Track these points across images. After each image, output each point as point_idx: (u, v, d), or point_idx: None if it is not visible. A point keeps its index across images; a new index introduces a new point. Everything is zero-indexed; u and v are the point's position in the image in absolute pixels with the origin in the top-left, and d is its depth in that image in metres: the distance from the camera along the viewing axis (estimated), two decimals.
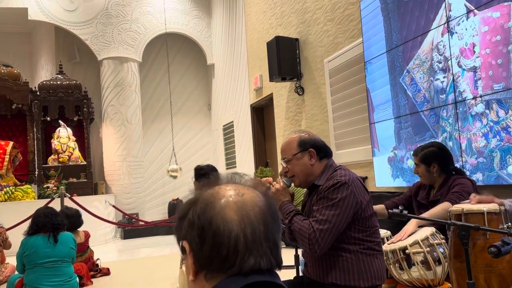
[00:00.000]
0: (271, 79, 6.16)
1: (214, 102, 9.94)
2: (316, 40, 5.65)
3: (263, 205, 0.79)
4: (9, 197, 7.03)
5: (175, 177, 8.15)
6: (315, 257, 1.84)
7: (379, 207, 2.74)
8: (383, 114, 4.22)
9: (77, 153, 8.39)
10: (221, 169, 9.12)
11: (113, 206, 7.71)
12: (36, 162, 8.17)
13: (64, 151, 8.28)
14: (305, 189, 2.03)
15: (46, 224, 3.37)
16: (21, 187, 7.37)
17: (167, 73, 9.48)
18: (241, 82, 8.25)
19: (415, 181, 2.96)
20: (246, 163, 8.09)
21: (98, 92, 8.96)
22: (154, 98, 9.86)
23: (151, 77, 9.86)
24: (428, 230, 2.38)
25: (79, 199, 6.52)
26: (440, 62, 3.51)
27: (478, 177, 3.14)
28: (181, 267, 3.39)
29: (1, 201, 6.93)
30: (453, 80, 3.37)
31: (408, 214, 1.88)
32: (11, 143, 7.83)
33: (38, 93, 8.18)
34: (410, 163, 3.82)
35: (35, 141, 8.18)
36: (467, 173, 3.14)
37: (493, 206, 1.99)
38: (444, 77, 3.47)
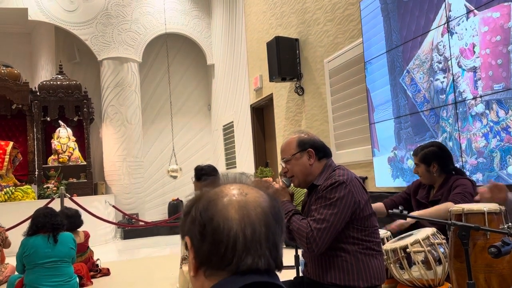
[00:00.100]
0: (271, 79, 6.17)
1: (214, 102, 9.94)
2: (316, 40, 5.65)
3: (266, 206, 0.80)
4: (9, 197, 7.04)
5: (175, 177, 8.15)
6: (314, 257, 1.84)
7: (378, 205, 2.75)
8: (383, 114, 4.22)
9: (77, 153, 8.39)
10: (221, 169, 9.12)
11: (113, 206, 7.71)
12: (36, 162, 8.17)
13: (64, 151, 8.28)
14: (305, 189, 2.04)
15: (45, 225, 3.37)
16: (21, 187, 7.37)
17: (167, 73, 9.49)
18: (241, 82, 8.25)
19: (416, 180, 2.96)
20: (246, 163, 8.09)
21: (98, 92, 8.96)
22: (154, 98, 9.87)
23: (151, 77, 9.86)
24: (429, 230, 2.38)
25: (79, 199, 6.52)
26: (440, 62, 3.51)
27: (478, 177, 3.14)
28: (181, 267, 3.39)
29: (1, 201, 6.93)
30: (453, 80, 3.37)
31: (408, 214, 1.88)
32: (11, 143, 7.83)
33: (38, 93, 8.18)
34: (410, 163, 3.82)
35: (35, 141, 8.18)
36: (467, 173, 3.14)
37: (493, 206, 1.99)
38: (444, 77, 3.48)
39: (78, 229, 4.67)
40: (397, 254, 2.35)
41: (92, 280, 4.45)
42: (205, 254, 0.76)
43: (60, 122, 8.29)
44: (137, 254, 6.48)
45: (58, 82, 8.35)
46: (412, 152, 2.92)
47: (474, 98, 3.17)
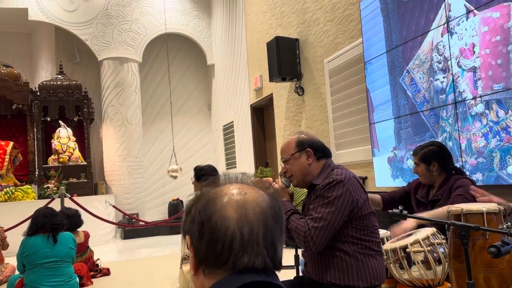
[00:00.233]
0: (271, 79, 6.17)
1: (214, 102, 9.95)
2: (316, 40, 5.65)
3: (265, 205, 0.80)
4: (9, 197, 7.04)
5: (175, 177, 8.15)
6: (314, 257, 1.84)
7: (376, 196, 2.75)
8: (383, 114, 4.22)
9: (77, 153, 8.40)
10: (221, 169, 9.12)
11: (113, 206, 7.71)
12: (36, 162, 8.17)
13: (64, 151, 8.28)
14: (305, 190, 2.04)
15: (45, 225, 3.38)
16: (21, 187, 7.37)
17: (167, 74, 9.49)
18: (241, 82, 8.26)
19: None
20: (246, 163, 8.09)
21: (98, 93, 8.97)
22: (154, 98, 9.87)
23: (151, 78, 9.87)
24: (429, 230, 2.38)
25: (79, 199, 6.52)
26: (440, 62, 3.51)
27: (478, 177, 3.14)
28: (181, 267, 3.39)
29: (1, 201, 6.94)
30: (453, 80, 3.37)
31: (408, 215, 1.88)
32: (11, 143, 7.83)
33: (38, 93, 8.19)
34: (410, 163, 3.82)
35: (35, 141, 8.18)
36: (467, 173, 3.14)
37: (492, 206, 1.99)
38: (444, 77, 3.48)
39: (78, 229, 4.67)
40: (397, 254, 2.36)
41: (92, 280, 4.45)
42: (203, 253, 0.77)
43: (60, 122, 8.30)
44: (137, 254, 6.48)
45: (58, 82, 8.36)
46: (411, 152, 2.92)
47: (474, 98, 3.17)
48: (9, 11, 8.40)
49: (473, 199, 2.42)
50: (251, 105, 7.84)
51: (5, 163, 7.56)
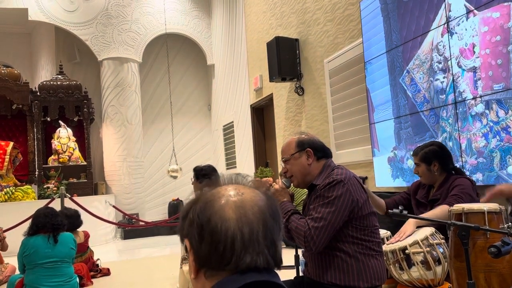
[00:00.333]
0: (271, 80, 6.17)
1: (214, 102, 9.95)
2: (316, 40, 5.65)
3: (263, 204, 0.80)
4: (9, 198, 7.04)
5: (175, 177, 8.15)
6: (315, 257, 1.84)
7: (380, 201, 2.74)
8: (383, 114, 4.22)
9: (77, 153, 8.40)
10: (221, 169, 9.13)
11: (113, 206, 7.71)
12: (36, 162, 8.17)
13: (64, 152, 8.29)
14: (306, 190, 2.04)
15: (46, 225, 3.37)
16: (21, 187, 7.37)
17: (167, 74, 9.49)
18: (241, 83, 8.26)
19: (415, 181, 2.96)
20: (246, 163, 8.09)
21: (98, 93, 8.97)
22: (154, 99, 9.87)
23: (151, 78, 9.87)
24: (427, 230, 2.38)
25: (79, 199, 6.52)
26: (440, 63, 3.51)
27: (478, 177, 3.14)
28: (181, 267, 3.39)
29: (1, 202, 6.94)
30: (453, 80, 3.37)
31: (408, 215, 1.88)
32: (11, 143, 7.83)
33: (38, 93, 8.19)
34: (410, 163, 3.82)
35: (35, 142, 8.18)
36: (467, 173, 3.14)
37: (493, 206, 1.99)
38: (444, 77, 3.48)
39: (77, 229, 4.67)
40: (396, 256, 2.35)
41: (92, 280, 4.45)
42: (204, 255, 0.77)
43: (60, 122, 8.30)
44: (137, 254, 6.48)
45: (58, 82, 8.36)
46: (411, 152, 2.92)
47: (474, 98, 3.17)
48: (9, 11, 8.40)
49: (469, 199, 2.42)
50: (251, 105, 7.85)
51: (5, 163, 7.56)
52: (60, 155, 8.25)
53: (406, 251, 2.31)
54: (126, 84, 8.76)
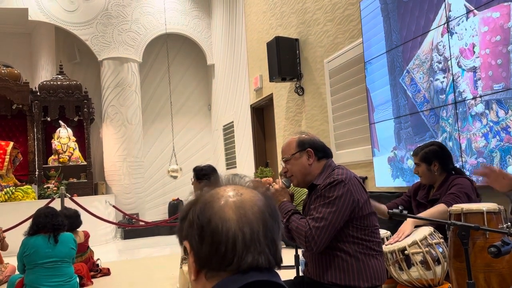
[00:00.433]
0: (271, 80, 6.17)
1: (214, 102, 9.95)
2: (316, 40, 5.66)
3: (262, 204, 0.81)
4: (10, 198, 7.04)
5: (175, 177, 8.15)
6: (315, 257, 1.85)
7: (382, 207, 2.73)
8: (383, 114, 4.22)
9: (77, 153, 8.40)
10: (221, 169, 9.13)
11: (113, 206, 7.71)
12: (36, 162, 8.17)
13: (65, 152, 8.29)
14: (306, 190, 2.04)
15: (46, 225, 3.38)
16: (22, 187, 7.37)
17: (167, 74, 9.49)
18: (241, 83, 8.26)
19: (415, 181, 2.96)
20: (246, 163, 8.09)
21: (99, 93, 8.97)
22: (154, 99, 9.87)
23: (151, 78, 9.87)
24: (426, 230, 2.38)
25: (80, 199, 6.52)
26: (440, 62, 3.51)
27: (478, 177, 3.14)
28: (181, 267, 3.40)
29: (1, 202, 6.94)
30: (453, 80, 3.37)
31: (408, 215, 1.88)
32: (12, 143, 7.83)
33: (38, 93, 8.19)
34: (410, 163, 3.83)
35: (36, 142, 8.18)
36: (467, 173, 3.14)
37: (492, 206, 1.99)
38: (444, 77, 3.48)
39: (77, 229, 4.67)
40: (395, 256, 2.36)
41: (93, 280, 4.45)
42: (205, 256, 0.77)
43: (61, 122, 8.30)
44: (137, 254, 6.48)
45: (59, 82, 8.36)
46: (411, 153, 2.92)
47: (474, 98, 3.17)
48: (9, 11, 8.40)
49: (465, 198, 2.42)
50: (251, 105, 7.85)
51: (5, 163, 7.57)
52: (60, 155, 8.25)
53: (405, 251, 2.31)
54: (126, 84, 8.77)
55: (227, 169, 9.15)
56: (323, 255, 1.81)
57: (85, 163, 8.36)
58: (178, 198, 9.21)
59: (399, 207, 1.84)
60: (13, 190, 7.16)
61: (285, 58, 5.96)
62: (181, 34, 9.53)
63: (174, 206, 9.01)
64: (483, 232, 1.87)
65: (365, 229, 1.80)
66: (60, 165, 8.17)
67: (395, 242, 2.41)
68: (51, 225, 3.38)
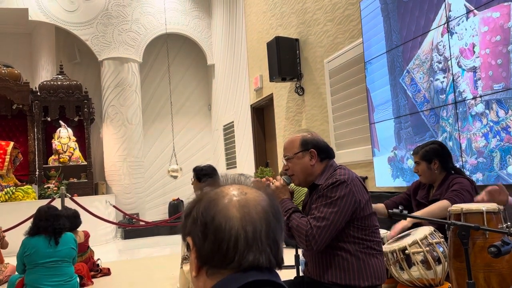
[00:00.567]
0: (271, 79, 6.17)
1: (214, 102, 9.95)
2: (316, 40, 5.66)
3: (266, 204, 0.81)
4: (10, 198, 7.04)
5: (175, 177, 8.16)
6: (315, 256, 1.85)
7: (379, 206, 2.74)
8: (383, 114, 4.22)
9: (77, 153, 8.41)
10: (221, 169, 9.13)
11: (114, 206, 7.71)
12: (36, 162, 8.18)
13: (65, 151, 8.29)
14: (306, 189, 2.04)
15: (47, 229, 3.38)
16: (22, 187, 7.38)
17: (167, 74, 9.50)
18: (241, 83, 8.26)
19: (415, 181, 2.96)
20: (246, 163, 8.09)
21: (99, 93, 8.97)
22: (155, 99, 9.88)
23: (151, 78, 9.87)
24: (426, 229, 2.38)
25: (80, 199, 6.52)
26: (440, 62, 3.51)
27: (478, 177, 3.14)
28: (181, 267, 3.40)
29: (1, 201, 6.94)
30: (453, 80, 3.37)
31: (408, 214, 1.88)
32: (12, 143, 7.84)
33: (38, 93, 8.19)
34: (410, 163, 3.83)
35: (36, 142, 8.19)
36: (467, 173, 3.14)
37: (492, 206, 2.00)
38: (444, 77, 3.48)
39: (77, 229, 4.67)
40: (396, 256, 2.36)
41: (93, 280, 4.46)
42: (207, 253, 0.77)
43: (61, 122, 8.31)
44: (138, 254, 6.48)
45: (59, 82, 8.36)
46: (411, 152, 2.92)
47: (474, 98, 3.17)
48: (9, 11, 8.40)
49: (468, 196, 2.42)
50: (251, 105, 7.85)
51: (6, 163, 7.57)
52: (61, 155, 8.26)
53: (406, 251, 2.31)
54: (126, 84, 8.77)
55: (227, 169, 9.15)
56: (323, 255, 1.81)
57: (86, 163, 8.36)
58: (178, 198, 9.22)
59: (399, 207, 1.84)
60: (14, 190, 7.16)
61: (285, 58, 5.96)
62: (181, 34, 9.53)
63: (174, 206, 9.01)
64: (483, 232, 1.88)
65: (365, 229, 1.80)
66: (60, 165, 8.18)
67: (393, 242, 2.42)
68: (53, 228, 3.38)
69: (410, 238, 2.36)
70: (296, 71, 6.08)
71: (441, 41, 3.47)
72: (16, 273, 3.67)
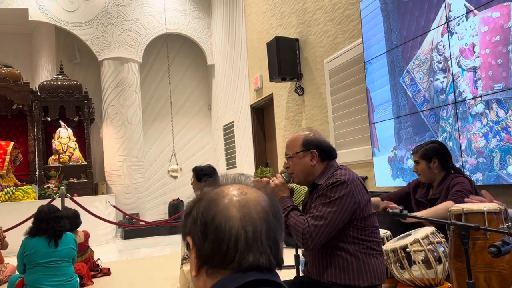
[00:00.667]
0: (271, 80, 6.17)
1: (214, 102, 9.95)
2: (316, 40, 5.66)
3: (266, 204, 0.81)
4: (10, 198, 7.04)
5: (175, 177, 8.16)
6: (315, 256, 1.85)
7: (374, 199, 2.74)
8: (383, 114, 4.22)
9: (77, 153, 8.40)
10: (221, 169, 9.13)
11: (114, 206, 7.71)
12: (36, 162, 8.17)
13: (65, 152, 8.29)
14: (307, 189, 2.04)
15: (47, 231, 3.38)
16: (22, 187, 7.38)
17: (167, 74, 9.50)
18: (241, 83, 8.26)
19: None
20: (246, 163, 8.09)
21: (99, 93, 8.97)
22: (155, 99, 9.88)
23: (151, 78, 9.87)
24: (428, 229, 2.38)
25: (80, 199, 6.52)
26: (440, 62, 3.51)
27: (478, 177, 3.14)
28: (181, 267, 3.40)
29: (1, 202, 6.94)
30: (453, 80, 3.37)
31: (408, 214, 1.88)
32: (12, 143, 7.84)
33: (38, 93, 8.19)
34: (410, 163, 3.83)
35: (36, 142, 8.18)
36: (467, 173, 3.14)
37: (493, 206, 1.99)
38: (444, 77, 3.48)
39: (77, 229, 4.67)
40: (397, 254, 2.36)
41: (93, 280, 4.45)
42: (207, 253, 0.77)
43: (61, 122, 8.30)
44: (138, 254, 6.48)
45: (59, 82, 8.36)
46: (411, 151, 2.92)
47: (474, 98, 3.17)
48: (9, 11, 8.40)
49: (470, 195, 2.42)
50: (251, 105, 7.85)
51: (6, 163, 7.57)
52: (61, 155, 8.26)
53: (407, 249, 2.32)
54: (126, 84, 8.77)
55: (227, 169, 9.15)
56: (323, 255, 1.81)
57: (85, 163, 8.36)
58: (178, 198, 9.22)
59: (400, 207, 1.84)
60: (14, 190, 7.16)
61: (285, 58, 5.96)
62: (181, 34, 9.53)
63: (174, 206, 9.01)
64: (484, 232, 1.88)
65: (365, 230, 1.80)
66: (60, 165, 8.18)
67: (394, 241, 2.42)
68: (53, 231, 3.38)
69: (411, 237, 2.37)
70: (296, 71, 6.08)
71: (441, 41, 3.47)
72: (17, 272, 3.67)
